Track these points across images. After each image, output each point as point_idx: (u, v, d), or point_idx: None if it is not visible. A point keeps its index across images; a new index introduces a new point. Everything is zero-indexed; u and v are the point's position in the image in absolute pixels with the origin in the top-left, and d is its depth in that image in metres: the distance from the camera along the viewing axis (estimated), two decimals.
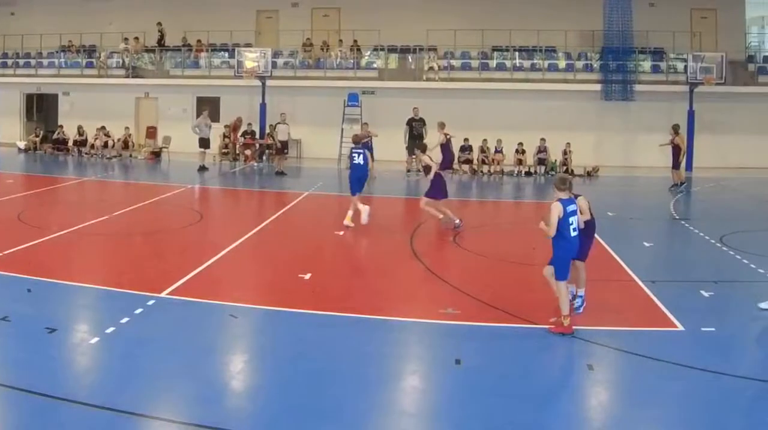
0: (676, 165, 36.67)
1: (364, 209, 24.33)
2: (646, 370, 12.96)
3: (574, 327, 14.42)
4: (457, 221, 24.60)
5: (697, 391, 11.98)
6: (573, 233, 14.50)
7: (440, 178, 24.86)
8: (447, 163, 34.78)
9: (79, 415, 10.50)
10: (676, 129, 37.39)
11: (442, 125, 34.52)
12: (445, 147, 34.79)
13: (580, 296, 15.98)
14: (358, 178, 24.95)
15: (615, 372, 13.21)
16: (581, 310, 15.80)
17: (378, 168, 32.94)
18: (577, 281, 15.87)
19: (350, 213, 24.35)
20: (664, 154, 38.64)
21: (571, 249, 14.65)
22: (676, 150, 36.97)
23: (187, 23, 50.72)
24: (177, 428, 10.32)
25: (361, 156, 24.93)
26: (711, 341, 14.49)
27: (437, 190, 24.59)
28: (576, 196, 14.91)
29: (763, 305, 15.98)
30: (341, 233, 24.03)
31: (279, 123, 42.41)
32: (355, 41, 48.70)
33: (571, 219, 14.43)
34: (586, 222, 15.29)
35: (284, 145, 41.92)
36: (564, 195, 14.54)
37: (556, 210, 14.34)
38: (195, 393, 11.50)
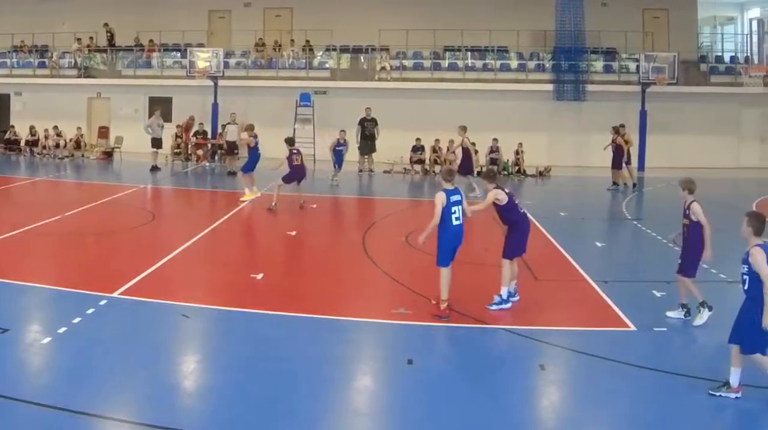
0: (617, 165, 36.76)
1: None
2: (599, 370, 13.10)
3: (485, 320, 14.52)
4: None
5: (649, 391, 12.08)
6: (455, 222, 15.26)
7: None
8: (467, 168, 34.11)
9: (32, 415, 10.48)
10: (616, 129, 37.46)
11: (464, 129, 33.69)
12: (467, 152, 34.44)
13: (510, 293, 16.23)
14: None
15: (567, 372, 13.34)
16: (509, 305, 16.09)
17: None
18: (509, 277, 16.18)
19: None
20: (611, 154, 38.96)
21: (453, 238, 15.31)
22: (619, 151, 36.99)
23: (139, 23, 50.41)
24: (129, 428, 10.32)
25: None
26: (663, 341, 14.68)
27: None
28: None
29: (670, 314, 16.04)
30: (293, 233, 24.14)
31: (229, 123, 41.98)
32: (308, 41, 48.61)
33: (454, 208, 15.18)
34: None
35: (233, 145, 41.12)
36: (449, 186, 15.44)
37: (440, 199, 15.15)
38: (147, 393, 11.51)
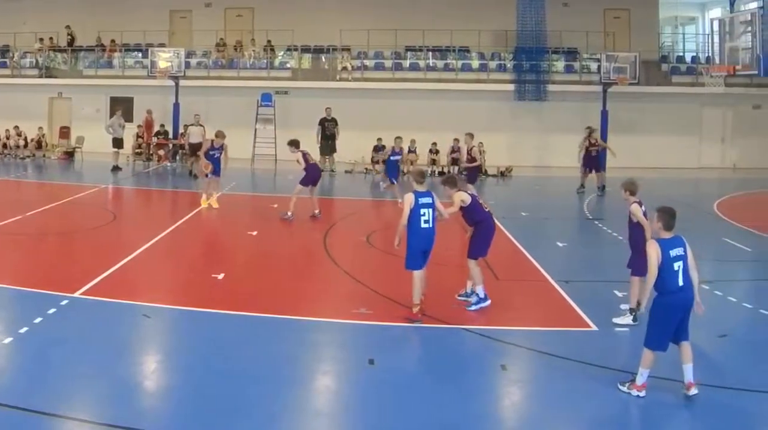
0: (594, 167, 36.57)
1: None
2: (560, 370, 13.16)
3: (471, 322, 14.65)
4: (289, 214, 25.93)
5: (611, 391, 12.14)
6: (424, 225, 15.15)
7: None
8: (473, 177, 33.15)
9: None
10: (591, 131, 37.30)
11: (471, 136, 32.11)
12: (473, 160, 33.85)
13: (476, 294, 16.32)
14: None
15: (528, 372, 13.43)
16: (488, 302, 16.16)
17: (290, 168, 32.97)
18: (480, 276, 16.30)
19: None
20: (575, 153, 39.05)
21: (421, 240, 15.24)
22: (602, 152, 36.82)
23: (100, 23, 50.17)
24: (90, 428, 10.32)
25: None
26: (624, 341, 14.83)
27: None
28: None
29: (617, 321, 16.19)
30: (254, 232, 24.20)
31: (192, 125, 41.01)
32: (269, 41, 48.65)
33: (423, 211, 15.11)
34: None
35: (196, 147, 37.68)
36: (420, 188, 15.36)
37: (408, 201, 15.15)
38: (108, 393, 11.51)
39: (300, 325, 15.29)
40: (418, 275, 15.32)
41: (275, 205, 28.64)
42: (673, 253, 11.64)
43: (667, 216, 11.85)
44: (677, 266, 11.61)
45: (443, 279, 18.12)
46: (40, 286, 16.81)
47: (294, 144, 26.93)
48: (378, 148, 42.33)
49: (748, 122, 47.25)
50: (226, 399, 11.35)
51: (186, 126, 41.33)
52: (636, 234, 16.02)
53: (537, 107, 46.44)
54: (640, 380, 11.81)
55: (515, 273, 19.30)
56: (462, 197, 15.99)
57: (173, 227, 24.87)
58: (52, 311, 15.03)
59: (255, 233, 24.31)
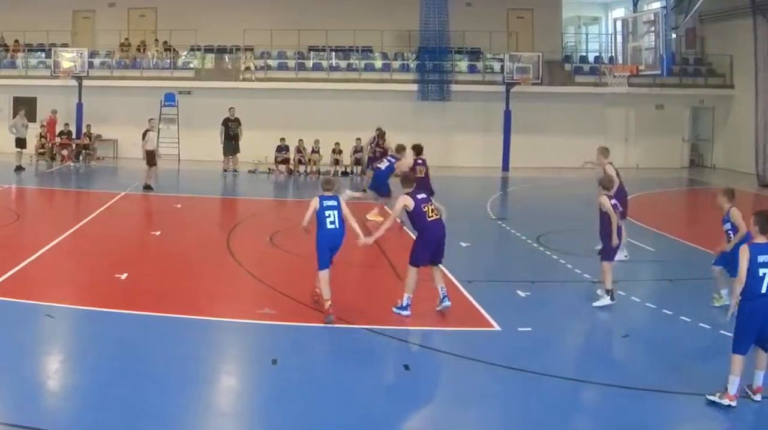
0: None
1: None
2: (464, 370, 13.49)
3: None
4: None
5: (514, 391, 12.51)
6: (330, 226, 15.70)
7: None
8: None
9: None
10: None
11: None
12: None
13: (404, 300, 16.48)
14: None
15: (432, 372, 13.59)
16: (408, 313, 16.24)
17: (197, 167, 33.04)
18: (413, 285, 16.44)
19: None
20: (479, 153, 39.55)
21: (327, 240, 15.79)
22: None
23: (3, 23, 49.32)
24: None
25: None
26: (528, 341, 14.98)
27: None
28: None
29: (597, 304, 17.04)
30: (158, 233, 24.37)
31: (148, 130, 36.06)
32: (165, 42, 48.42)
33: (328, 212, 15.68)
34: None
35: (152, 155, 35.09)
36: (327, 193, 15.97)
37: (312, 204, 15.81)
38: (11, 393, 11.63)
39: (203, 325, 15.43)
40: (323, 274, 15.72)
41: (178, 206, 28.80)
42: (762, 259, 11.48)
43: (764, 220, 11.80)
44: (762, 272, 11.44)
45: (346, 280, 18.37)
46: None
47: (417, 150, 26.35)
48: (281, 148, 42.51)
49: (651, 122, 48.15)
50: (129, 399, 11.42)
51: (146, 131, 36.23)
52: (603, 223, 17.13)
53: (440, 107, 46.69)
54: (733, 389, 11.62)
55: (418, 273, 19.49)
56: (405, 202, 16.24)
57: (77, 226, 24.78)
58: None
59: (158, 233, 24.45)
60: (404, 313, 16.16)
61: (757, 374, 11.88)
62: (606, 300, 17.07)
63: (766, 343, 11.64)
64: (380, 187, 26.01)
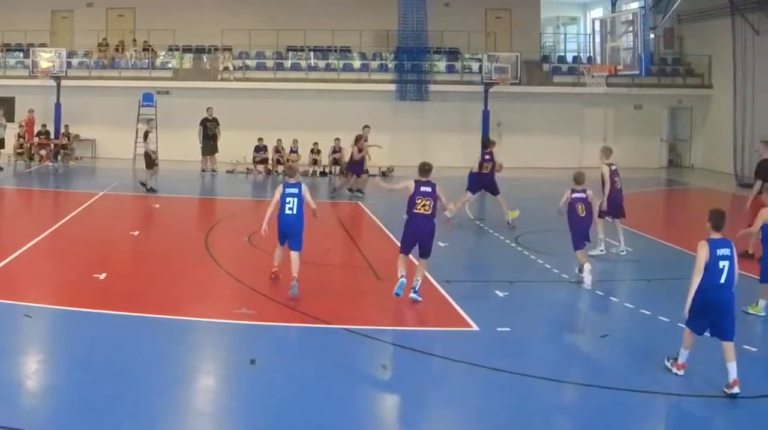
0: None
1: None
2: (442, 370, 13.51)
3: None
4: None
5: (492, 391, 12.55)
6: (287, 211, 17.23)
7: None
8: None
9: None
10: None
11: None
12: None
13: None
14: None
15: (410, 372, 13.52)
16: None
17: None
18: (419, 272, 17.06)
19: None
20: (457, 153, 39.46)
21: (282, 224, 17.39)
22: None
23: None
24: None
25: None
26: (506, 341, 15.00)
27: None
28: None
29: (585, 284, 18.24)
30: (136, 233, 24.34)
31: (148, 131, 34.97)
32: (145, 41, 48.48)
33: (288, 199, 17.15)
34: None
35: (152, 156, 34.20)
36: (291, 180, 17.56)
37: (277, 191, 17.33)
38: None
39: (182, 325, 15.41)
40: (278, 250, 17.95)
41: (157, 206, 28.79)
42: (720, 252, 12.46)
43: (717, 217, 12.74)
44: (722, 264, 12.43)
45: (324, 279, 18.52)
46: None
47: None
48: (259, 149, 42.49)
49: (629, 122, 48.31)
50: (108, 399, 11.40)
51: (146, 133, 35.33)
52: (570, 218, 19.04)
53: (418, 107, 46.81)
54: (681, 359, 12.88)
55: (396, 272, 19.44)
56: (407, 185, 17.26)
57: (55, 226, 24.73)
58: None
59: (137, 233, 24.44)
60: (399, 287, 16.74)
61: (729, 367, 12.12)
62: (586, 274, 18.22)
63: (722, 333, 12.38)
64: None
